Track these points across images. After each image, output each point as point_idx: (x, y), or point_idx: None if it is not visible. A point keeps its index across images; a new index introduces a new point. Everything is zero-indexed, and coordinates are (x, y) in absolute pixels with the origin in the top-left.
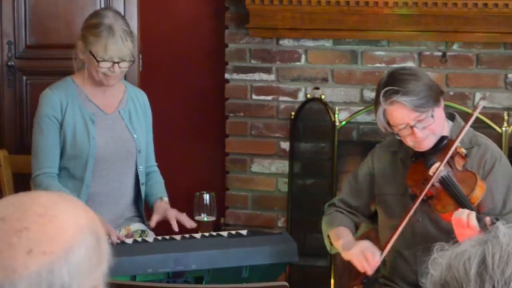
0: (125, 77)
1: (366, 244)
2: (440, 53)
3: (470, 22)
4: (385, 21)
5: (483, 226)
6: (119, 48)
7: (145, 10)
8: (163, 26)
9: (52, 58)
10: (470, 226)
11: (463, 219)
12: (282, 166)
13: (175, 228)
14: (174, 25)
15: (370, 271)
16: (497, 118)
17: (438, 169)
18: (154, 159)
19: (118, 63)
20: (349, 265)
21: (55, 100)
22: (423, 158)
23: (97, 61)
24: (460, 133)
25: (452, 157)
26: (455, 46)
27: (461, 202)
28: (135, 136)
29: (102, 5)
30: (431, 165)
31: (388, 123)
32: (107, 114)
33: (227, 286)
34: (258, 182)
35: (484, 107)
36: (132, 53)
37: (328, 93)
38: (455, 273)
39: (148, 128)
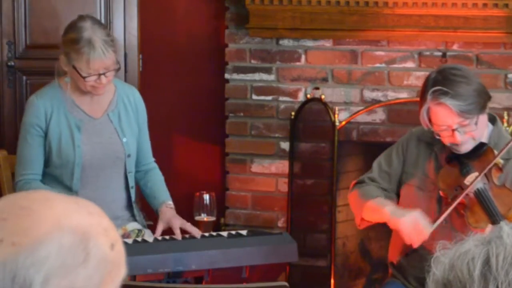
0: (125, 78)
1: (419, 214)
2: (440, 53)
3: (470, 22)
4: (385, 21)
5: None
6: (102, 61)
7: (145, 10)
8: (163, 26)
9: (52, 58)
10: None
11: None
12: (282, 166)
13: (179, 237)
14: (174, 25)
15: (417, 243)
16: None
17: (475, 181)
18: (152, 156)
19: (103, 74)
20: (349, 265)
21: (40, 108)
22: (458, 162)
23: (83, 77)
24: (503, 148)
25: (489, 168)
26: (455, 46)
27: (496, 221)
28: (124, 140)
29: (102, 5)
30: (467, 172)
31: (430, 120)
32: (95, 119)
33: (227, 286)
34: (258, 182)
35: None
36: (116, 61)
37: (328, 93)
38: (459, 273)
39: (142, 125)
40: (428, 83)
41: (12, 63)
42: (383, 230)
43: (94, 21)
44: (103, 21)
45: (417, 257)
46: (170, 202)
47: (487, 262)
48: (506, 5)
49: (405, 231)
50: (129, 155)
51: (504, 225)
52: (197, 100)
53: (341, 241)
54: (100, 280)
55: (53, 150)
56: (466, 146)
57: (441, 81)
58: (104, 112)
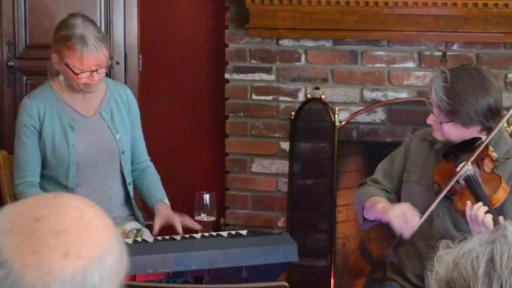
0: (125, 78)
1: (406, 205)
2: (440, 53)
3: (470, 22)
4: (385, 21)
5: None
6: (95, 57)
7: (145, 10)
8: (163, 26)
9: None
10: (485, 224)
11: (479, 215)
12: (282, 166)
13: (180, 231)
14: (174, 25)
15: (407, 233)
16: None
17: (465, 166)
18: (147, 154)
19: (96, 70)
20: (349, 265)
21: (33, 109)
22: (453, 156)
23: (76, 74)
24: (490, 133)
25: (482, 159)
26: (455, 46)
27: (481, 201)
28: (117, 136)
29: (102, 5)
30: (460, 163)
31: None
32: (87, 117)
33: (227, 286)
34: (258, 182)
35: None
36: (108, 58)
37: (328, 93)
38: (463, 271)
39: (135, 123)
40: (449, 68)
41: (12, 63)
42: (383, 230)
43: (85, 18)
44: (103, 21)
45: (416, 253)
46: (167, 201)
47: (491, 260)
48: (506, 5)
49: (394, 222)
50: (123, 152)
51: (508, 224)
52: (197, 100)
53: (341, 241)
54: (123, 278)
55: (48, 150)
56: (435, 132)
57: (454, 70)
58: (96, 110)
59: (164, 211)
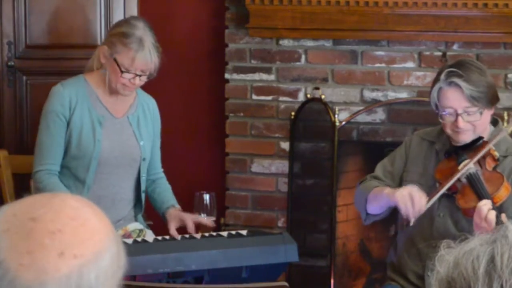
0: None
1: (414, 187)
2: (440, 53)
3: (470, 22)
4: (385, 21)
5: (500, 225)
6: (146, 62)
7: (145, 10)
8: (163, 26)
9: (52, 58)
10: (487, 219)
11: (483, 210)
12: (282, 166)
13: (192, 230)
14: (174, 25)
15: (412, 216)
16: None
17: (467, 165)
18: (161, 166)
19: (139, 76)
20: (349, 265)
21: (65, 97)
22: (455, 155)
23: (121, 71)
24: (497, 135)
25: (483, 157)
26: (455, 46)
27: (484, 199)
28: (141, 143)
29: (102, 6)
30: (462, 161)
31: (438, 102)
32: (116, 118)
33: (227, 286)
34: (258, 182)
35: None
36: (155, 69)
37: (328, 93)
38: (463, 271)
39: (156, 135)
40: (444, 68)
41: (12, 63)
42: (383, 230)
43: (146, 24)
44: (103, 21)
45: (416, 253)
46: (178, 207)
47: (492, 260)
48: (506, 5)
49: (401, 202)
50: (144, 159)
51: (509, 224)
52: (197, 100)
53: (341, 241)
54: (120, 277)
55: (73, 140)
56: (465, 136)
57: (456, 66)
58: (124, 113)
59: (175, 213)
